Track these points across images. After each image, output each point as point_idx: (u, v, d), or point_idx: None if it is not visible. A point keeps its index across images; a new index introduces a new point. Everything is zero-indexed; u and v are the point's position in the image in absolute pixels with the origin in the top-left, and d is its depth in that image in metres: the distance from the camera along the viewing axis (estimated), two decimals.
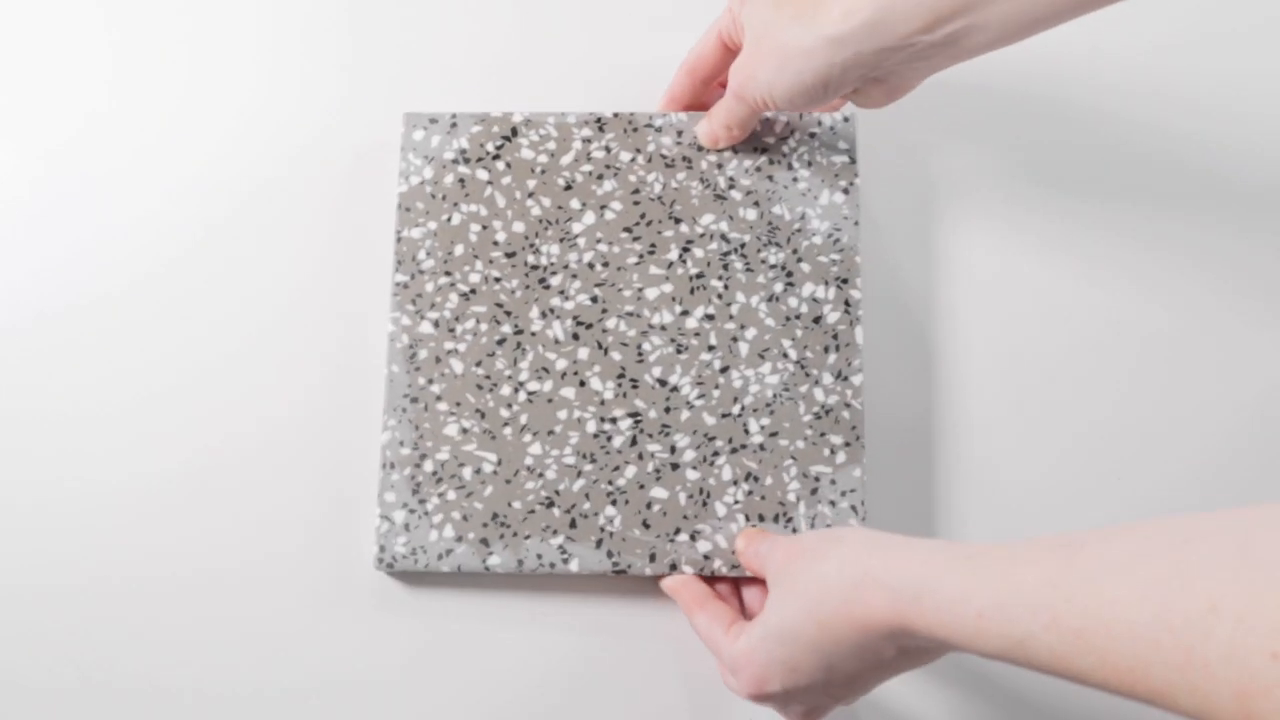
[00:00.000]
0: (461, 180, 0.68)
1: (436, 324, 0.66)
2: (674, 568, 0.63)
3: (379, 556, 0.63)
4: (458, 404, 0.65)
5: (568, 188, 0.68)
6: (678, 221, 0.67)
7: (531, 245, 0.67)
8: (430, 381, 0.65)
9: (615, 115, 0.69)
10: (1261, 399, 0.67)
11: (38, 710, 0.64)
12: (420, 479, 0.64)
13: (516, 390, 0.65)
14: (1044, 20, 0.53)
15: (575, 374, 0.65)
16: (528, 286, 0.67)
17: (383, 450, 0.64)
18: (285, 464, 0.67)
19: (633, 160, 0.68)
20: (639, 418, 0.65)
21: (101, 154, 0.72)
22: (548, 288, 0.67)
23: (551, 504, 0.64)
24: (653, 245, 0.67)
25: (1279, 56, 0.72)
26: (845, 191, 0.68)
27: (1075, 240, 0.69)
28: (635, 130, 0.69)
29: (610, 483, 0.64)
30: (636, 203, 0.68)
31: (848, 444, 0.64)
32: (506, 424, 0.65)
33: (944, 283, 0.69)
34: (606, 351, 0.66)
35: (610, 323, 0.66)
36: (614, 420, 0.65)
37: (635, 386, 0.65)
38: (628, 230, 0.67)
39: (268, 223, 0.70)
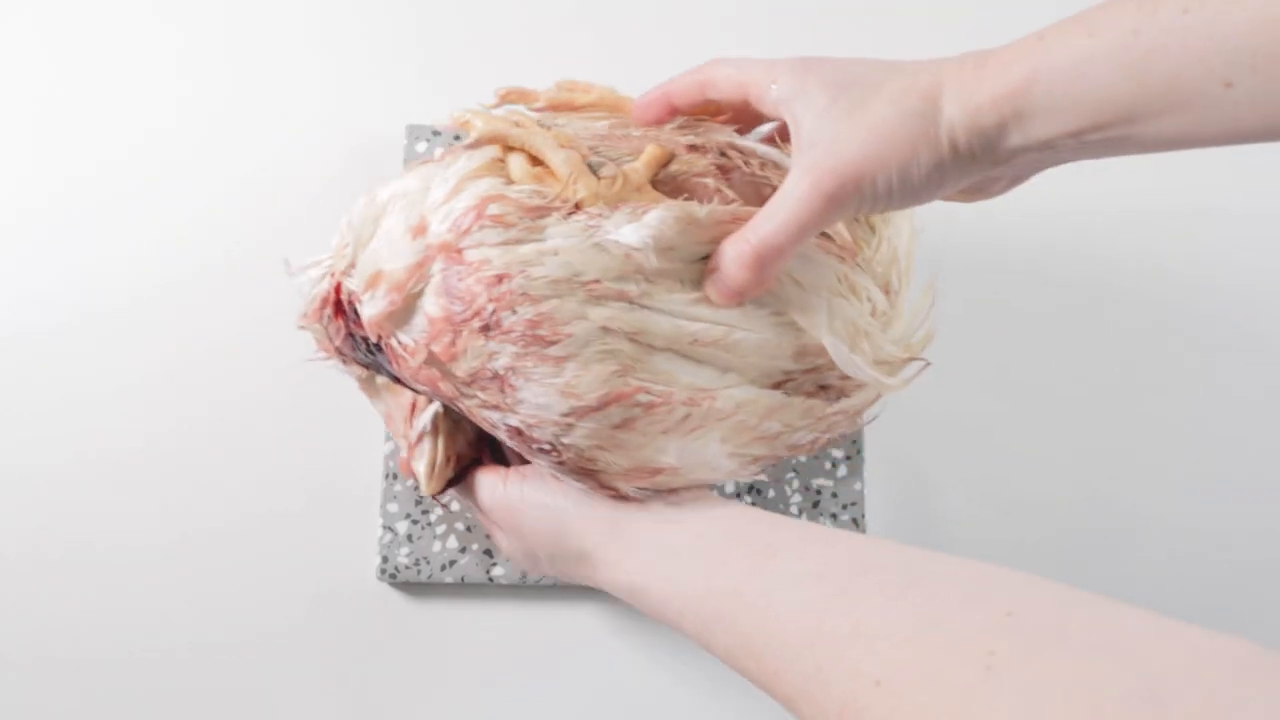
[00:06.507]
0: None
1: None
2: None
3: (381, 567, 0.63)
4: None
5: None
6: None
7: None
8: None
9: None
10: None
11: None
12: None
13: None
14: (1196, 142, 0.45)
15: None
16: None
17: (385, 460, 0.64)
18: (288, 474, 0.66)
19: None
20: None
21: (106, 165, 0.71)
22: None
23: None
24: None
25: None
26: None
27: (1069, 258, 0.71)
28: None
29: None
30: None
31: (849, 458, 0.65)
32: None
33: (943, 300, 0.70)
34: None
35: None
36: None
37: None
38: None
39: (271, 232, 0.70)
